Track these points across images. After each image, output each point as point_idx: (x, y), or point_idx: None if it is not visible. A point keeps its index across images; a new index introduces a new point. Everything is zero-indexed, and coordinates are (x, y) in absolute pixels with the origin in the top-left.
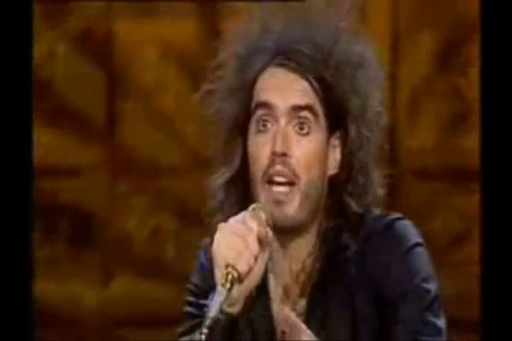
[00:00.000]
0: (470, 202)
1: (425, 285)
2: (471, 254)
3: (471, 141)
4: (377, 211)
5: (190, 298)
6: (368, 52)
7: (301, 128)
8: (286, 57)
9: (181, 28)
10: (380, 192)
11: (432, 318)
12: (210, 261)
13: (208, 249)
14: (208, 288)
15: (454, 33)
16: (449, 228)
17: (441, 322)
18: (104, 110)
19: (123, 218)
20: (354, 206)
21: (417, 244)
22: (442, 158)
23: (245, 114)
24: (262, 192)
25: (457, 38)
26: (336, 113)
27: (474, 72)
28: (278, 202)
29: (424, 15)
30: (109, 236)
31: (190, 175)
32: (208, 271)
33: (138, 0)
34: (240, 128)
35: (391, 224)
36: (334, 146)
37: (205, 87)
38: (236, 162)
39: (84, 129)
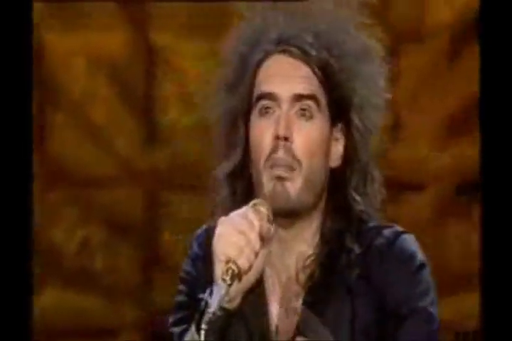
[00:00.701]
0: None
1: (432, 308)
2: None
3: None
4: (379, 220)
5: (182, 287)
6: (372, 43)
7: (304, 114)
8: (289, 43)
9: (110, 39)
10: (383, 192)
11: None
12: (202, 250)
13: (200, 238)
14: (198, 276)
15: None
16: None
17: None
18: (34, 121)
19: (52, 229)
20: (359, 200)
21: (425, 263)
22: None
23: (246, 105)
24: (264, 173)
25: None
26: (339, 103)
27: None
28: (281, 179)
29: None
30: (38, 247)
31: (119, 186)
32: (199, 259)
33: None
34: (241, 119)
35: (397, 237)
36: (336, 139)
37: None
38: (238, 153)
39: None
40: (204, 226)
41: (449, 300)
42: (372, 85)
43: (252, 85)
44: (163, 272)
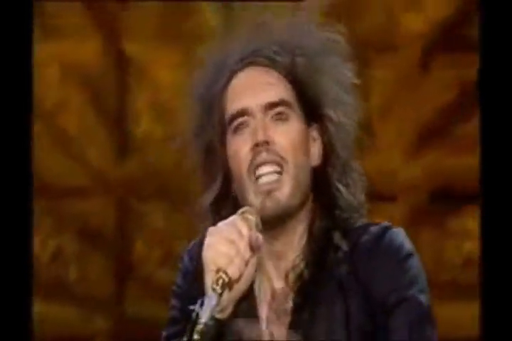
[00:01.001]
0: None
1: (421, 296)
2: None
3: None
4: (365, 220)
5: (174, 301)
6: (334, 37)
7: (279, 118)
8: (254, 55)
9: (83, 48)
10: (364, 180)
11: (425, 328)
12: (193, 263)
13: (192, 252)
14: (190, 290)
15: None
16: None
17: (435, 333)
18: None
19: None
20: (343, 191)
21: (411, 253)
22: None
23: (220, 133)
24: (250, 188)
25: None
26: (311, 102)
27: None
28: (269, 192)
29: None
30: None
31: (91, 196)
32: (190, 273)
33: None
34: (216, 148)
35: (385, 232)
36: (314, 139)
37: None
38: (218, 181)
39: None
40: (194, 241)
41: None
42: (340, 78)
43: (222, 112)
44: (136, 282)
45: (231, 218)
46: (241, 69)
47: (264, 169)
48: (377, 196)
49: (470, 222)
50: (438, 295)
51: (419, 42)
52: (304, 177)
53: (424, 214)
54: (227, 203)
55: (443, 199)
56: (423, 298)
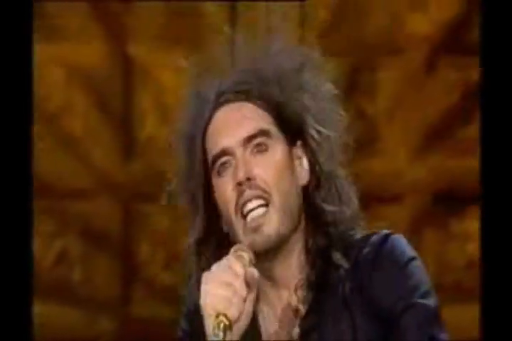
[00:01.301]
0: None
1: (425, 300)
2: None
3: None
4: (363, 231)
5: None
6: (309, 53)
7: (259, 150)
8: (229, 92)
9: (88, 51)
10: (355, 195)
11: (434, 332)
12: (194, 304)
13: (191, 294)
14: (194, 331)
15: None
16: None
17: (444, 335)
18: None
19: None
20: (330, 209)
21: (412, 258)
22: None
23: (203, 169)
24: (238, 226)
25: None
26: (291, 122)
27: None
28: (257, 228)
29: None
30: None
31: (96, 198)
32: (193, 313)
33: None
34: (199, 188)
35: (384, 241)
36: (299, 157)
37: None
38: (199, 221)
39: None
40: (193, 283)
41: None
42: (317, 93)
43: (204, 153)
44: (141, 283)
45: (224, 259)
46: (217, 108)
47: (250, 205)
48: (382, 198)
49: (474, 224)
50: (441, 297)
51: (424, 45)
52: (292, 202)
53: (429, 216)
54: (210, 244)
55: (447, 201)
56: (429, 301)
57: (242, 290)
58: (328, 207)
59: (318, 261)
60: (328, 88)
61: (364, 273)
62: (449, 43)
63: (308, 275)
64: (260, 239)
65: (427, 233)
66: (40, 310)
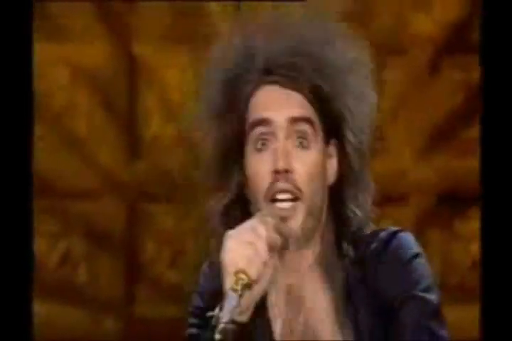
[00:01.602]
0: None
1: (426, 295)
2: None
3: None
4: (374, 226)
5: (192, 320)
6: (359, 55)
7: (301, 143)
8: (278, 73)
9: (92, 50)
10: (371, 199)
11: (433, 326)
12: (209, 283)
13: (206, 273)
14: (207, 309)
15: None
16: None
17: (444, 332)
18: None
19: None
20: (356, 211)
21: (417, 255)
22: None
23: (239, 136)
24: (265, 206)
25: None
26: (332, 121)
27: None
28: (283, 218)
29: None
30: None
31: (101, 198)
32: (207, 292)
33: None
34: (234, 151)
35: (392, 237)
36: (330, 155)
37: (188, 116)
38: (233, 186)
39: None
40: (208, 262)
41: None
42: (361, 97)
43: (244, 114)
44: (146, 283)
45: (249, 221)
46: (265, 84)
47: (281, 196)
48: (386, 198)
49: (478, 224)
50: (445, 297)
51: (428, 45)
52: (319, 201)
53: (433, 216)
54: (237, 209)
55: (452, 201)
56: (430, 296)
57: (264, 253)
58: (352, 212)
59: (330, 251)
60: (371, 94)
61: (370, 265)
62: (453, 44)
63: (319, 264)
64: (284, 230)
65: (431, 233)
66: (45, 310)
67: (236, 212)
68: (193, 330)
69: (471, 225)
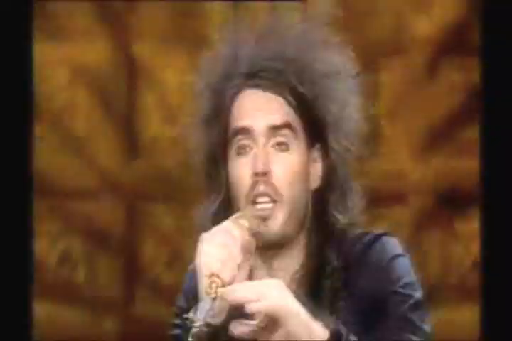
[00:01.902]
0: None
1: (405, 290)
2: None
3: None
4: (360, 228)
5: (175, 321)
6: (342, 61)
7: (281, 146)
8: (260, 77)
9: (92, 50)
10: (361, 203)
11: (415, 319)
12: (193, 283)
13: (192, 273)
14: (189, 310)
15: None
16: None
17: (427, 327)
18: None
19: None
20: (340, 217)
21: (398, 255)
22: None
23: (223, 141)
24: (243, 211)
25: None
26: (315, 126)
27: None
28: (263, 219)
29: None
30: None
31: (100, 198)
32: (190, 292)
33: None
34: (220, 155)
35: (376, 239)
36: (314, 159)
37: (184, 120)
38: (222, 189)
39: None
40: (193, 263)
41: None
42: (345, 103)
43: (227, 121)
44: (145, 284)
45: (224, 223)
46: (246, 88)
47: (260, 199)
48: (386, 198)
49: (478, 224)
50: (445, 297)
51: (427, 46)
52: (301, 206)
53: (433, 216)
54: (228, 210)
55: (451, 202)
56: (410, 291)
57: (238, 256)
58: (335, 218)
59: (314, 256)
60: (356, 100)
61: (353, 269)
62: (452, 45)
63: (305, 269)
64: (263, 231)
65: (430, 233)
66: (44, 310)
67: (227, 213)
68: (176, 331)
69: (471, 225)
